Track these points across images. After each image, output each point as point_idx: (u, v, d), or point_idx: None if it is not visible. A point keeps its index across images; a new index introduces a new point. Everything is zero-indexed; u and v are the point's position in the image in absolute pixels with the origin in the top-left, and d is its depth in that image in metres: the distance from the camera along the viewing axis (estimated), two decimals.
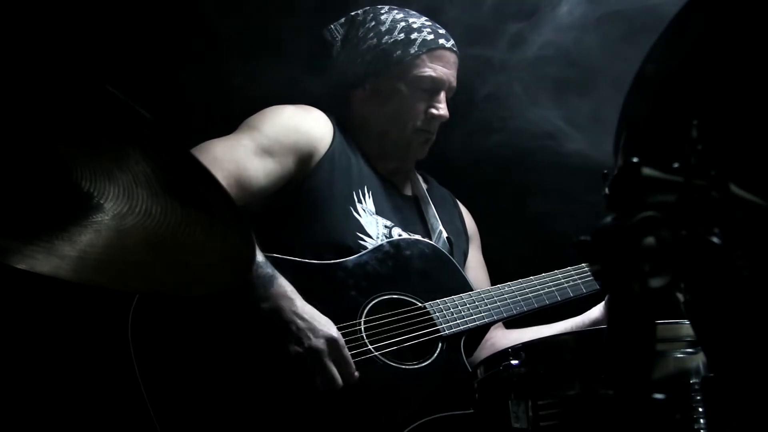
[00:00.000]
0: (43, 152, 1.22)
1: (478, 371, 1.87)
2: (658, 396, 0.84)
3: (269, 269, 2.00)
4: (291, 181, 2.23)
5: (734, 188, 0.86)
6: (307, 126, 2.27)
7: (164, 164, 1.22)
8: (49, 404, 2.31)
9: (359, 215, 2.25)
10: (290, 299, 1.99)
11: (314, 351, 1.96)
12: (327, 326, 2.00)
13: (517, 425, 1.70)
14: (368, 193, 2.31)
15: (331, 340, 1.98)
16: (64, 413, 2.31)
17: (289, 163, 2.20)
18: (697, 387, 1.61)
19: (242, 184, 2.10)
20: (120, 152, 1.22)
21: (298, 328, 1.97)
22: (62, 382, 2.33)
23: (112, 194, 1.28)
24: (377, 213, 2.30)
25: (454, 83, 2.39)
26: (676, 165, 0.85)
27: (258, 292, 1.97)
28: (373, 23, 2.36)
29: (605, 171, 0.98)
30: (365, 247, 2.20)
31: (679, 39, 0.98)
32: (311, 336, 1.97)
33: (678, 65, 0.99)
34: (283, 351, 1.98)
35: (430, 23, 2.38)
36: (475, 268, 2.53)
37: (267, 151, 2.18)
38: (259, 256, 1.98)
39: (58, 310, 2.32)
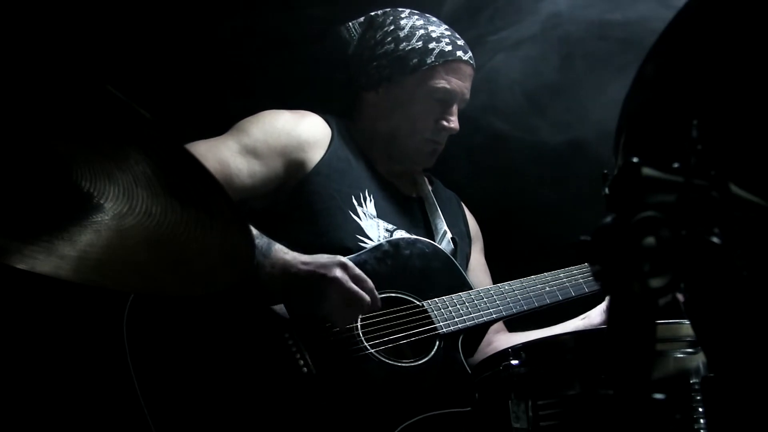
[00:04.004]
0: (43, 152, 1.22)
1: (478, 371, 1.87)
2: (658, 396, 0.84)
3: (264, 239, 2.04)
4: (284, 183, 2.23)
5: (734, 188, 0.86)
6: (299, 131, 2.27)
7: (164, 164, 1.22)
8: (47, 403, 2.31)
9: (359, 219, 2.25)
10: (291, 255, 2.04)
11: (334, 281, 2.00)
12: (332, 257, 2.04)
13: (517, 425, 1.70)
14: (369, 196, 2.31)
15: (342, 265, 2.02)
16: (62, 412, 2.31)
17: (276, 165, 2.21)
18: (697, 387, 1.61)
19: (224, 183, 2.10)
20: (120, 152, 1.22)
21: (308, 271, 2.01)
22: (60, 381, 2.33)
23: (112, 194, 1.29)
24: (378, 216, 2.30)
25: (468, 95, 2.38)
26: (676, 165, 0.85)
27: (260, 262, 2.00)
28: (392, 27, 2.35)
29: (605, 171, 0.98)
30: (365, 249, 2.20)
31: (679, 39, 0.98)
32: (324, 271, 2.01)
33: (678, 65, 0.99)
34: (306, 302, 2.02)
35: (449, 33, 2.37)
36: (477, 270, 2.53)
37: (252, 152, 2.19)
38: (253, 230, 2.00)
39: (58, 310, 2.32)
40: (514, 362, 1.73)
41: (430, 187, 2.52)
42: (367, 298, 2.02)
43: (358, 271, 2.04)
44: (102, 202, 1.29)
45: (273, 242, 2.05)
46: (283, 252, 2.04)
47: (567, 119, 2.64)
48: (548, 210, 2.79)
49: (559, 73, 2.66)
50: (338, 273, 2.00)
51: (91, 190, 1.28)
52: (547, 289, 2.29)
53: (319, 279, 2.00)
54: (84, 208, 1.29)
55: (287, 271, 2.01)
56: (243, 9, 2.62)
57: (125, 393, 1.89)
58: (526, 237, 2.85)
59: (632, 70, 1.01)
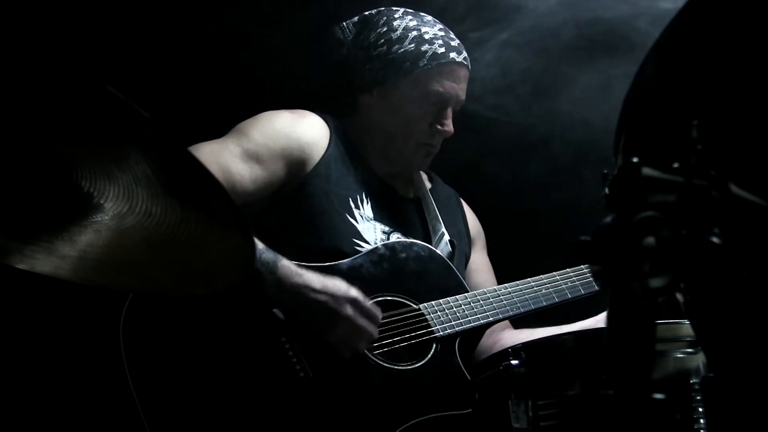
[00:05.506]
0: (43, 152, 1.22)
1: (478, 371, 1.87)
2: (658, 396, 0.84)
3: (271, 254, 2.02)
4: (285, 185, 2.22)
5: (734, 188, 0.86)
6: (299, 131, 2.25)
7: (164, 164, 1.22)
8: (45, 403, 2.31)
9: (356, 222, 2.24)
10: (299, 275, 2.03)
11: (345, 319, 2.01)
12: (342, 289, 2.04)
13: (517, 425, 1.70)
14: (366, 199, 2.30)
15: (353, 301, 2.03)
16: (60, 412, 2.31)
17: (278, 168, 2.20)
18: (697, 387, 1.61)
19: (226, 189, 2.09)
20: (120, 152, 1.22)
21: (320, 303, 2.02)
22: (58, 381, 2.33)
23: (112, 194, 1.28)
24: (375, 219, 2.29)
25: (463, 97, 2.35)
26: (676, 165, 0.85)
27: (265, 278, 1.99)
28: (385, 28, 2.32)
29: (605, 171, 0.98)
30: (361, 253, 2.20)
31: (680, 39, 0.98)
32: (335, 305, 2.02)
33: (678, 65, 0.99)
34: (313, 328, 2.03)
35: (443, 33, 2.33)
36: (480, 269, 2.52)
37: (253, 156, 2.17)
38: (259, 244, 2.00)
39: (57, 310, 2.32)
40: (514, 362, 1.74)
41: (428, 185, 2.51)
42: (375, 332, 2.05)
43: (367, 305, 2.05)
44: (102, 202, 1.29)
45: (279, 257, 2.03)
46: (291, 270, 2.03)
47: (566, 119, 2.64)
48: (546, 211, 2.79)
49: (557, 72, 2.66)
50: (350, 311, 2.02)
51: (91, 190, 1.28)
52: (543, 290, 2.29)
53: (330, 314, 2.02)
54: (84, 208, 1.29)
55: (296, 296, 2.01)
56: (242, 9, 2.62)
57: (121, 394, 1.89)
58: (524, 238, 2.85)
59: (624, 68, 1.01)
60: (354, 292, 2.05)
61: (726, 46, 0.97)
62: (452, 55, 2.31)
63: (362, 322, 2.03)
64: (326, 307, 2.01)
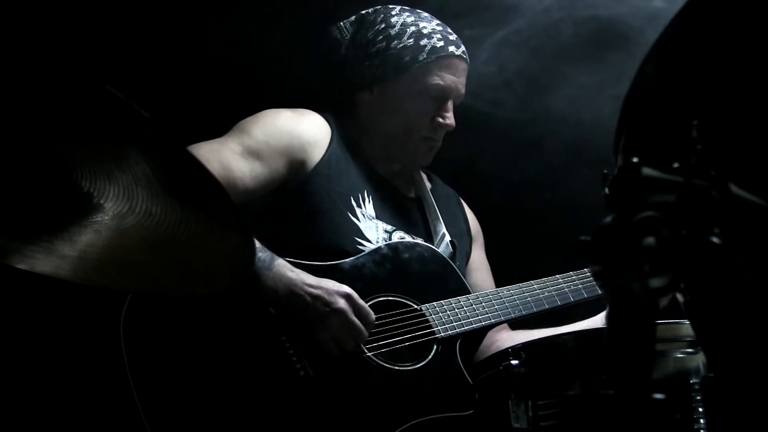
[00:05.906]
0: (43, 152, 1.22)
1: (478, 371, 1.87)
2: (658, 396, 0.84)
3: (267, 252, 2.03)
4: (285, 183, 2.22)
5: (734, 188, 0.86)
6: (300, 130, 2.26)
7: (164, 164, 1.22)
8: (46, 403, 2.31)
9: (358, 220, 2.24)
10: (294, 272, 2.05)
11: (339, 311, 2.01)
12: (336, 285, 2.05)
13: (517, 425, 1.70)
14: (368, 197, 2.30)
15: (347, 296, 2.04)
16: (60, 412, 2.31)
17: (279, 166, 2.20)
18: (697, 387, 1.61)
19: (227, 186, 2.10)
20: (120, 152, 1.22)
21: (314, 296, 2.02)
22: (58, 381, 2.33)
23: (112, 194, 1.29)
24: (377, 217, 2.29)
25: (463, 91, 2.36)
26: (676, 165, 0.85)
27: (262, 274, 2.00)
28: (383, 25, 2.33)
29: (605, 171, 0.98)
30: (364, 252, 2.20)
31: (680, 38, 0.98)
32: (329, 299, 2.02)
33: (678, 65, 0.99)
34: (304, 322, 2.02)
35: (441, 28, 2.34)
36: (480, 268, 2.52)
37: (254, 154, 2.18)
38: (255, 243, 1.99)
39: (57, 310, 2.32)
40: (514, 362, 1.74)
41: (429, 185, 2.51)
42: (366, 332, 2.04)
43: (361, 303, 2.05)
44: (102, 202, 1.29)
45: (276, 256, 2.05)
46: (287, 268, 2.04)
47: (563, 118, 2.64)
48: (544, 210, 2.79)
49: (554, 71, 2.66)
50: (343, 304, 2.02)
51: (91, 190, 1.28)
52: (546, 294, 2.28)
53: (323, 306, 2.01)
54: (84, 208, 1.29)
55: (291, 290, 2.02)
56: (241, 9, 2.62)
57: (122, 393, 1.89)
58: (522, 239, 2.85)
59: (621, 66, 1.01)
60: (347, 288, 2.05)
61: (726, 46, 0.97)
62: (451, 48, 2.32)
63: (355, 318, 2.02)
64: (320, 300, 2.02)
